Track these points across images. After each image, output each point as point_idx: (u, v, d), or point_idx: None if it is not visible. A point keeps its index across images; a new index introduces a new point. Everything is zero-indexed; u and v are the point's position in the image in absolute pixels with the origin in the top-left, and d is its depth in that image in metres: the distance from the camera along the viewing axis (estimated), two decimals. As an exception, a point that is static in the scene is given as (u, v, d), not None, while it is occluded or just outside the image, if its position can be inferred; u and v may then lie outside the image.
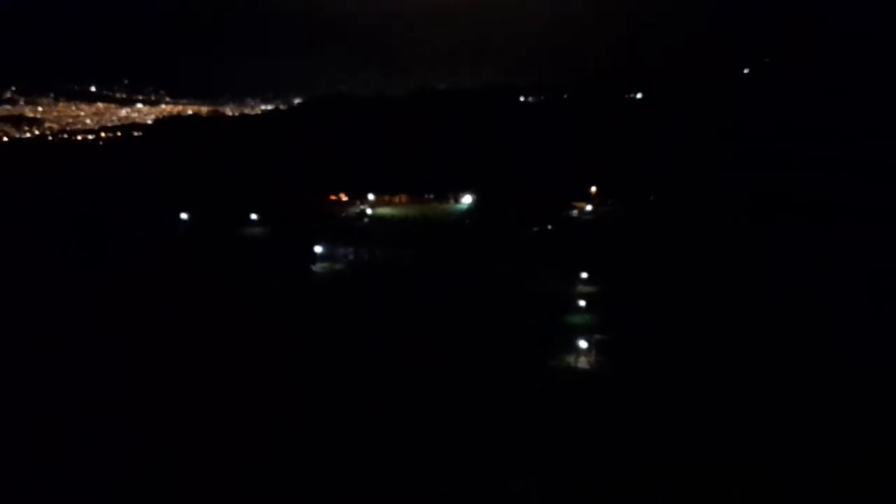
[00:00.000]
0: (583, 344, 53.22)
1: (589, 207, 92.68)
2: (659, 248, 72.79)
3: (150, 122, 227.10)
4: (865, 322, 51.24)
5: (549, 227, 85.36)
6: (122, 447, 37.29)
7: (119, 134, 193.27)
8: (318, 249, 78.44)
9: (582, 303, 62.04)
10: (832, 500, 33.57)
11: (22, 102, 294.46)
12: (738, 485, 34.08)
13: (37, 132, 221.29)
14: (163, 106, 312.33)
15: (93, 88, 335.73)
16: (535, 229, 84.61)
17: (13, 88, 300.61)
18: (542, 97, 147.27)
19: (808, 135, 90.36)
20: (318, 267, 76.30)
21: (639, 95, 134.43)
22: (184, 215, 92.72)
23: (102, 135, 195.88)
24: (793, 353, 48.82)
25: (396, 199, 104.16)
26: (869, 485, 34.33)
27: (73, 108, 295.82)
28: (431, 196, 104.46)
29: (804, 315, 54.25)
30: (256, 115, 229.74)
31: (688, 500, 33.90)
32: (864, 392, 42.91)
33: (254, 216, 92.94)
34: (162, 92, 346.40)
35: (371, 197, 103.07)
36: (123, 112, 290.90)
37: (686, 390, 45.00)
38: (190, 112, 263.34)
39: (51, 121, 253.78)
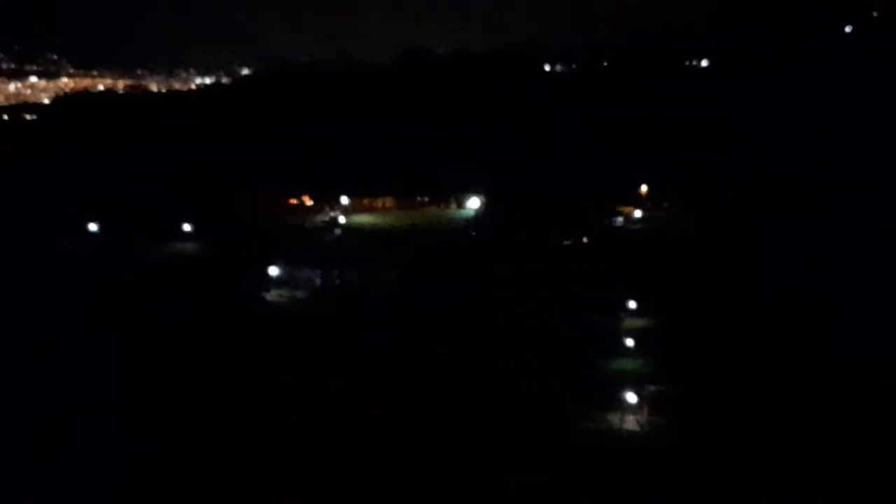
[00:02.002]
0: (631, 398, 53.13)
1: (638, 213, 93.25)
2: (736, 268, 73.27)
3: (47, 101, 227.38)
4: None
5: (585, 239, 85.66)
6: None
7: (6, 117, 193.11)
8: (272, 272, 78.57)
9: (630, 342, 61.93)
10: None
11: None
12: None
13: None
14: (65, 79, 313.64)
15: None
16: (566, 243, 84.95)
17: None
18: (572, 65, 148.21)
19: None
20: (271, 295, 76.42)
21: (704, 63, 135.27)
22: (92, 226, 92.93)
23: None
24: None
25: (379, 204, 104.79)
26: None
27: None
28: (425, 199, 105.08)
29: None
30: (190, 91, 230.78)
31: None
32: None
33: (186, 227, 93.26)
34: (64, 60, 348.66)
35: (344, 200, 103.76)
36: (12, 87, 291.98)
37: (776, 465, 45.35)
38: (101, 87, 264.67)
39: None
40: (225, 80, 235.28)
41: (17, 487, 43.28)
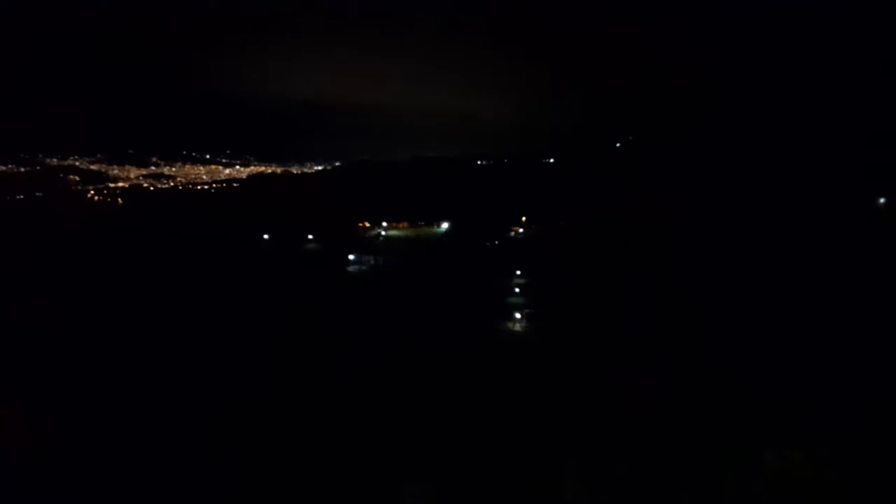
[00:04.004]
0: (517, 315, 53.40)
1: (521, 230, 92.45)
2: (563, 256, 72.94)
3: (244, 177, 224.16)
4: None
5: (496, 242, 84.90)
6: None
7: (224, 185, 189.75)
8: (351, 257, 77.76)
9: (517, 290, 61.97)
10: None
11: (162, 164, 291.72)
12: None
13: (171, 184, 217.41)
14: (252, 167, 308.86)
15: (207, 156, 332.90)
16: (487, 244, 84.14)
17: (155, 158, 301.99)
18: (491, 162, 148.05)
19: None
20: (351, 268, 75.64)
21: (551, 160, 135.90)
22: (266, 236, 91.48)
23: (214, 186, 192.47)
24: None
25: (400, 225, 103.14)
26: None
27: (195, 168, 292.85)
28: (422, 223, 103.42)
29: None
30: (312, 173, 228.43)
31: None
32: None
33: (310, 236, 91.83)
34: (252, 158, 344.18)
35: (384, 224, 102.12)
36: (227, 171, 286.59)
37: (580, 342, 45.95)
38: (269, 171, 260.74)
39: (180, 177, 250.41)
40: (328, 167, 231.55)
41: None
